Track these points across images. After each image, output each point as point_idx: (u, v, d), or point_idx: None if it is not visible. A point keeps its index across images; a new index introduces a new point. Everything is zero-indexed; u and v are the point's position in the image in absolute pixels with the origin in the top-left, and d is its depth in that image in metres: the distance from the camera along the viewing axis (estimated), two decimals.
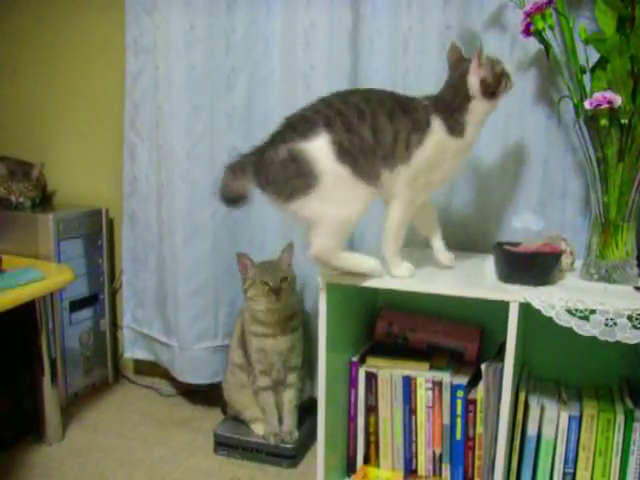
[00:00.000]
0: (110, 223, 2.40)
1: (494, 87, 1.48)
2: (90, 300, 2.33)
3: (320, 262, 1.49)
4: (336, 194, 1.41)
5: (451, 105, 1.49)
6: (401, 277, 1.54)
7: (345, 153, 1.40)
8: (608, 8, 1.46)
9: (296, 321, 1.90)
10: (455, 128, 1.49)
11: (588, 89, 1.54)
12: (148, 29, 2.06)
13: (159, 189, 2.11)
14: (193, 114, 1.98)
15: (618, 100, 1.40)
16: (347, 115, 1.41)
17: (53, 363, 2.02)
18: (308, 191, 1.40)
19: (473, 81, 1.47)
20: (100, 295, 2.37)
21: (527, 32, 1.59)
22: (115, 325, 2.47)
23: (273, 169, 1.41)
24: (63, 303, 2.21)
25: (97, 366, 2.39)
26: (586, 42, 1.55)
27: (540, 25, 1.55)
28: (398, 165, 1.46)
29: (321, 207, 1.42)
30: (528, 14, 1.54)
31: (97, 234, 2.32)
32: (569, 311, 1.36)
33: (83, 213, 2.27)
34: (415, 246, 1.79)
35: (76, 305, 2.27)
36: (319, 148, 1.39)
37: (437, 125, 1.47)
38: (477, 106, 1.49)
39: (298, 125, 1.42)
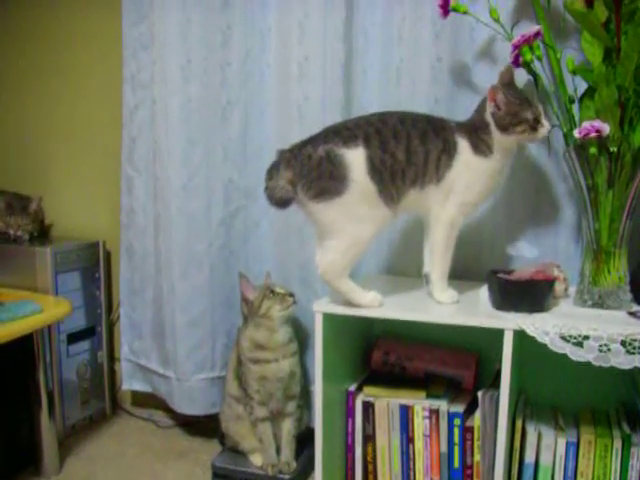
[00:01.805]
0: (107, 255, 2.41)
1: (504, 123, 1.50)
2: (87, 332, 2.33)
3: (326, 280, 1.53)
4: (358, 209, 1.47)
5: (474, 124, 1.55)
6: (444, 303, 1.58)
7: (375, 171, 1.46)
8: (594, 39, 1.49)
9: (294, 346, 1.90)
10: (479, 147, 1.53)
11: (577, 118, 1.57)
12: (145, 64, 2.09)
13: (156, 221, 2.12)
14: (189, 146, 2.00)
15: (606, 129, 1.42)
16: (384, 135, 1.47)
17: (50, 395, 2.01)
18: (334, 196, 1.45)
19: (489, 108, 1.52)
20: (97, 327, 2.37)
21: (516, 63, 1.62)
22: (112, 357, 2.46)
23: (308, 164, 1.46)
24: (61, 335, 2.21)
25: (95, 398, 2.38)
26: (574, 73, 1.58)
27: (528, 57, 1.58)
28: (428, 184, 1.51)
29: (340, 217, 1.47)
30: (516, 46, 1.57)
31: (94, 266, 2.33)
32: (563, 337, 1.37)
33: (80, 246, 2.28)
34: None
35: (73, 337, 2.26)
36: (356, 158, 1.45)
37: (463, 146, 1.53)
38: (495, 132, 1.52)
39: (340, 132, 1.48)
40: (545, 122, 1.52)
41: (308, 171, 1.45)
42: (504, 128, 1.50)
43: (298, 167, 1.46)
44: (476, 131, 1.54)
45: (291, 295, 1.87)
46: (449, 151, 1.52)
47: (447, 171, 1.52)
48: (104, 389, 2.43)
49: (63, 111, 2.42)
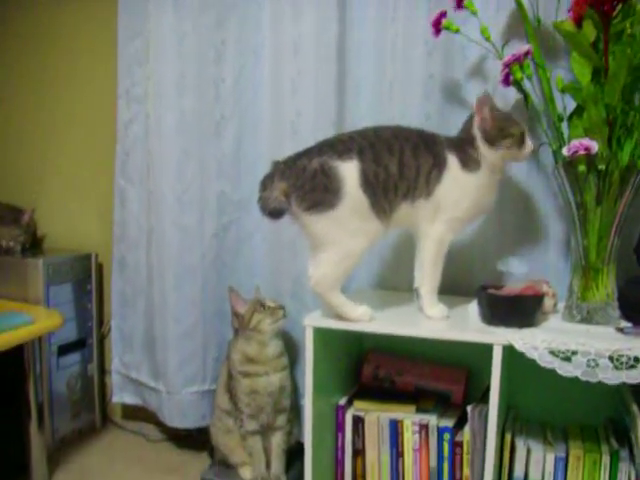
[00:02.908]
0: (99, 268, 2.41)
1: (491, 136, 1.53)
2: (78, 345, 2.33)
3: (317, 292, 1.53)
4: (350, 222, 1.48)
5: (462, 139, 1.57)
6: (434, 317, 1.58)
7: (369, 184, 1.47)
8: (583, 59, 1.51)
9: (285, 360, 1.91)
10: (467, 162, 1.55)
11: (566, 136, 1.58)
12: (140, 80, 2.10)
13: (149, 234, 2.13)
14: (183, 160, 2.01)
15: (595, 147, 1.44)
16: (378, 148, 1.49)
17: (40, 407, 2.01)
18: (328, 209, 1.46)
19: (475, 122, 1.54)
20: (88, 340, 2.37)
21: (506, 82, 1.64)
22: (103, 369, 2.46)
23: (303, 176, 1.46)
24: (51, 347, 2.21)
25: (85, 411, 2.38)
26: (563, 91, 1.60)
27: (518, 75, 1.60)
28: (418, 198, 1.52)
29: (333, 230, 1.48)
30: (507, 65, 1.59)
31: (87, 279, 2.34)
32: (552, 352, 1.38)
33: (73, 258, 2.29)
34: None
35: (64, 350, 2.26)
36: (350, 171, 1.46)
37: (452, 161, 1.55)
38: (483, 147, 1.54)
39: (335, 145, 1.49)
40: (529, 142, 1.55)
41: (302, 183, 1.46)
42: (491, 142, 1.53)
43: (292, 179, 1.47)
44: (464, 146, 1.56)
45: (281, 308, 1.88)
46: (439, 166, 1.53)
47: (436, 186, 1.53)
48: (94, 402, 2.43)
49: (57, 124, 2.43)
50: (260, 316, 1.84)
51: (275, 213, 1.51)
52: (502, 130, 1.52)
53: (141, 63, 2.09)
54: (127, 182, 2.18)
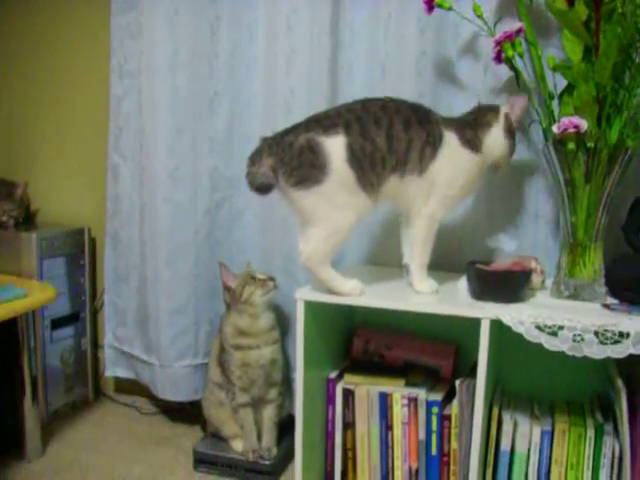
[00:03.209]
0: (92, 242, 2.42)
1: (514, 128, 1.61)
2: (72, 318, 2.34)
3: (308, 267, 1.55)
4: (337, 197, 1.48)
5: (468, 122, 1.60)
6: (423, 292, 1.61)
7: (355, 158, 1.48)
8: (574, 37, 1.52)
9: (276, 333, 1.93)
10: (470, 141, 1.58)
11: (556, 114, 1.60)
12: (133, 54, 2.10)
13: (142, 209, 2.13)
14: (176, 136, 2.02)
15: (584, 125, 1.45)
16: (365, 121, 1.49)
17: (34, 381, 2.03)
18: (314, 185, 1.47)
19: (503, 110, 1.60)
20: (82, 314, 2.38)
21: (498, 59, 1.65)
22: (96, 344, 2.48)
23: (290, 152, 1.47)
24: (45, 321, 2.23)
25: (78, 384, 2.40)
26: (554, 69, 1.61)
27: (510, 53, 1.61)
28: (410, 174, 1.53)
29: (320, 205, 1.49)
30: (498, 42, 1.60)
31: (80, 253, 2.35)
32: (538, 327, 1.40)
33: (66, 232, 2.29)
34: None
35: (57, 323, 2.28)
36: (336, 146, 1.47)
37: (451, 138, 1.56)
38: (494, 133, 1.59)
39: (321, 121, 1.49)
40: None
41: (289, 159, 1.47)
42: (511, 133, 1.60)
43: (280, 155, 1.48)
44: (466, 127, 1.58)
45: (272, 279, 1.90)
46: (434, 143, 1.53)
47: (431, 163, 1.54)
48: (87, 375, 2.44)
49: (50, 98, 2.43)
50: (251, 288, 1.86)
51: (262, 188, 1.53)
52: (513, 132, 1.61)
53: (134, 37, 2.09)
54: (120, 157, 2.19)
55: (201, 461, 1.97)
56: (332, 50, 1.88)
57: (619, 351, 1.37)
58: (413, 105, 1.56)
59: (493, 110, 1.62)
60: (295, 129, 1.50)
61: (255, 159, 1.52)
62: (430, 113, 1.57)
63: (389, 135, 1.50)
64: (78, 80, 2.38)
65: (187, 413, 2.27)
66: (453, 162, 1.56)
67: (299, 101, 1.91)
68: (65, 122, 2.42)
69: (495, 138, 1.60)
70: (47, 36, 2.39)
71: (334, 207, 1.49)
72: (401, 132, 1.50)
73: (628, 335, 1.36)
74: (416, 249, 1.61)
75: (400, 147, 1.51)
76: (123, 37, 2.12)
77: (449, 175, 1.56)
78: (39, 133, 2.47)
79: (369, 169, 1.49)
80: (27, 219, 2.39)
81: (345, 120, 1.49)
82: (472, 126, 1.59)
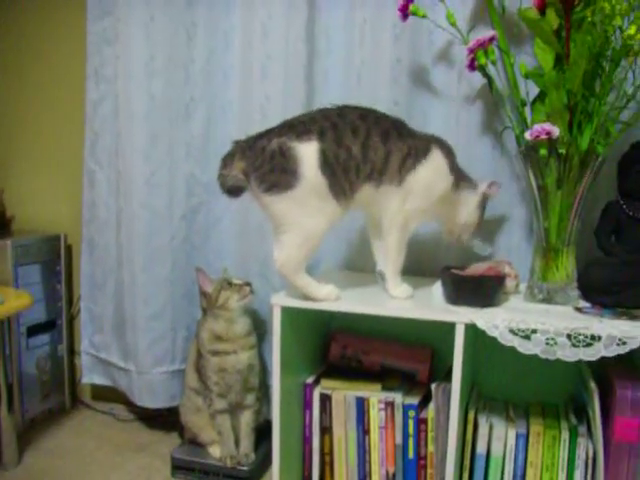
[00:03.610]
0: (69, 249, 2.41)
1: (484, 205, 1.70)
2: (48, 325, 2.33)
3: (283, 274, 1.55)
4: (309, 203, 1.48)
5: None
6: (398, 297, 1.62)
7: (328, 165, 1.47)
8: (546, 46, 1.54)
9: (253, 338, 1.94)
10: (456, 169, 1.62)
11: (529, 121, 1.62)
12: (109, 59, 2.09)
13: (118, 215, 2.13)
14: (152, 142, 2.01)
15: (556, 131, 1.47)
16: (341, 128, 1.49)
17: (10, 389, 2.02)
18: (285, 190, 1.46)
19: (481, 188, 1.68)
20: (58, 320, 2.37)
21: (472, 67, 1.67)
22: (73, 350, 2.47)
23: (261, 157, 1.47)
24: (20, 328, 2.21)
25: (54, 391, 2.39)
26: (526, 77, 1.63)
27: (483, 60, 1.63)
28: (387, 185, 1.54)
29: (292, 211, 1.49)
30: (471, 50, 1.62)
31: (56, 260, 2.34)
32: (512, 331, 1.42)
33: (42, 239, 2.28)
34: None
35: (33, 330, 2.27)
36: (308, 152, 1.46)
37: (437, 155, 1.58)
38: (472, 199, 1.67)
39: (295, 126, 1.49)
40: None
41: (261, 163, 1.47)
42: (483, 208, 1.70)
43: (252, 158, 1.48)
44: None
45: (248, 285, 1.90)
46: (416, 155, 1.55)
47: (410, 174, 1.55)
48: (64, 382, 2.43)
49: (25, 104, 2.41)
50: (227, 293, 1.86)
51: (233, 191, 1.53)
52: None
53: (110, 42, 2.08)
54: (96, 163, 2.18)
55: (179, 467, 1.97)
56: (308, 57, 1.89)
57: (591, 354, 1.38)
58: (393, 119, 1.58)
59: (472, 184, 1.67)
60: (268, 133, 1.50)
61: (227, 161, 1.52)
62: (415, 131, 1.60)
63: (365, 144, 1.50)
64: (54, 86, 2.37)
65: (164, 419, 2.26)
66: (433, 174, 1.58)
67: (275, 107, 1.92)
68: (41, 128, 2.41)
69: (470, 202, 1.65)
70: (22, 42, 2.38)
71: (306, 213, 1.49)
72: (379, 143, 1.51)
73: (600, 338, 1.38)
74: (390, 257, 1.62)
75: (377, 157, 1.51)
76: (99, 43, 2.11)
77: (426, 186, 1.57)
78: (14, 139, 2.45)
79: (342, 176, 1.49)
80: (2, 226, 2.37)
81: (320, 126, 1.49)
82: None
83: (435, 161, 1.58)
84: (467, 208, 1.66)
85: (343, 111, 1.53)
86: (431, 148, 1.58)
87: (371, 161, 1.51)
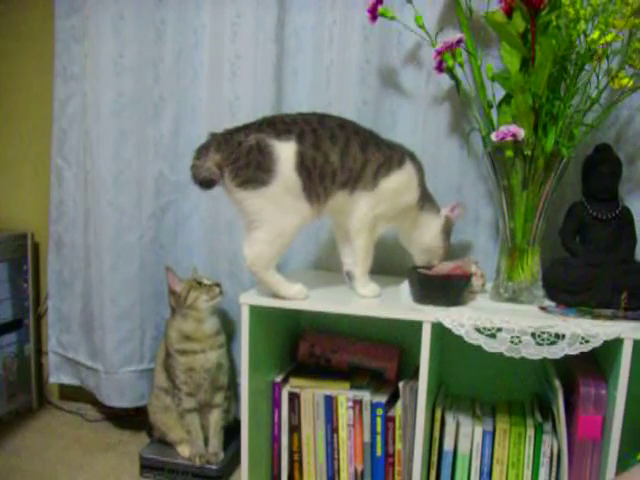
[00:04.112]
0: (35, 247, 2.39)
1: (449, 230, 1.76)
2: (14, 325, 2.30)
3: (253, 271, 1.55)
4: (283, 200, 1.49)
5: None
6: (366, 296, 1.63)
7: (304, 168, 1.49)
8: (512, 49, 1.56)
9: (222, 337, 1.93)
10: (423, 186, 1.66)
11: (495, 122, 1.64)
12: (77, 57, 2.07)
13: (86, 214, 2.11)
14: (120, 140, 2.00)
15: (521, 133, 1.50)
16: (320, 134, 1.50)
17: None
18: (260, 186, 1.47)
19: (444, 212, 1.74)
20: (25, 320, 2.34)
21: (440, 69, 1.69)
22: (40, 350, 2.44)
23: (238, 151, 1.47)
24: None
25: (21, 391, 2.36)
26: (492, 79, 1.66)
27: (450, 63, 1.65)
28: (360, 190, 1.56)
29: (265, 207, 1.49)
30: (439, 52, 1.64)
31: (22, 258, 2.31)
32: (478, 329, 1.44)
33: (8, 237, 2.25)
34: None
35: (0, 330, 2.24)
36: (286, 151, 1.47)
37: (410, 167, 1.61)
38: (434, 222, 1.71)
39: (276, 124, 1.50)
40: None
41: (236, 158, 1.47)
42: (447, 233, 1.75)
43: (227, 152, 1.48)
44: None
45: (217, 285, 1.90)
46: (390, 164, 1.58)
47: (383, 180, 1.58)
48: (31, 382, 2.40)
49: None
50: (196, 293, 1.86)
51: (205, 183, 1.52)
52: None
53: (78, 40, 2.06)
54: (64, 161, 2.16)
55: (147, 467, 1.96)
56: (277, 56, 1.89)
57: (555, 352, 1.42)
58: (371, 132, 1.61)
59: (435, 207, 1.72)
60: (246, 128, 1.50)
61: (201, 152, 1.51)
62: (392, 143, 1.63)
63: (344, 152, 1.52)
64: (22, 83, 2.34)
65: (133, 419, 2.25)
66: (403, 184, 1.61)
67: (244, 106, 1.92)
68: (8, 126, 2.38)
69: (432, 226, 1.70)
70: None
71: (278, 210, 1.50)
72: (358, 152, 1.54)
73: (564, 336, 1.41)
74: (359, 258, 1.64)
75: (355, 166, 1.54)
76: (67, 40, 2.09)
77: (395, 192, 1.60)
78: None
79: (317, 181, 1.51)
80: None
81: (300, 128, 1.50)
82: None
83: (407, 172, 1.61)
84: (429, 232, 1.70)
85: (324, 119, 1.55)
86: (405, 160, 1.61)
87: (349, 169, 1.53)
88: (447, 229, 1.72)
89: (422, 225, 1.70)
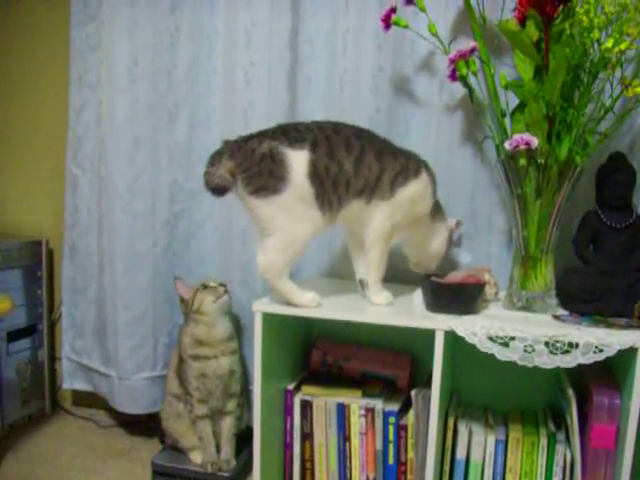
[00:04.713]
0: (50, 254, 2.40)
1: (451, 239, 1.78)
2: (28, 331, 2.31)
3: (266, 279, 1.56)
4: (295, 209, 1.49)
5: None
6: (379, 304, 1.63)
7: (317, 176, 1.48)
8: (525, 57, 1.56)
9: (234, 344, 1.94)
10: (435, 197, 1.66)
11: (509, 131, 1.64)
12: (92, 65, 2.09)
13: (100, 220, 2.12)
14: (135, 148, 2.01)
15: (535, 142, 1.49)
16: (334, 143, 1.51)
17: None
18: (272, 194, 1.47)
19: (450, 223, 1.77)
20: (39, 326, 2.35)
21: (453, 77, 1.69)
22: (53, 356, 2.45)
23: (251, 159, 1.47)
24: (1, 333, 2.19)
25: (34, 397, 2.37)
26: (506, 88, 1.66)
27: (464, 71, 1.65)
28: (377, 200, 1.56)
29: (278, 215, 1.49)
30: (453, 60, 1.64)
31: (37, 265, 2.32)
32: (491, 338, 1.43)
33: (23, 244, 2.27)
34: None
35: (14, 335, 2.24)
36: (298, 160, 1.47)
37: (425, 177, 1.61)
38: (442, 232, 1.73)
39: (289, 132, 1.50)
40: None
41: (249, 165, 1.47)
42: (450, 241, 1.77)
43: (240, 159, 1.48)
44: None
45: (222, 285, 1.91)
46: (407, 174, 1.58)
47: (400, 189, 1.57)
48: (44, 388, 2.41)
49: (8, 108, 2.40)
50: (202, 296, 1.87)
51: (218, 190, 1.52)
52: None
53: (94, 48, 2.08)
54: (79, 168, 2.17)
55: (159, 473, 1.96)
56: (291, 63, 1.90)
57: (568, 361, 1.40)
58: (387, 140, 1.61)
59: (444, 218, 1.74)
60: (260, 136, 1.51)
61: (215, 159, 1.51)
62: (409, 152, 1.63)
63: (359, 161, 1.52)
64: (37, 90, 2.36)
65: (145, 425, 2.25)
66: (419, 193, 1.61)
67: (258, 113, 1.93)
68: (23, 133, 2.40)
69: (441, 235, 1.71)
70: (6, 46, 2.37)
71: (291, 218, 1.50)
72: (374, 161, 1.54)
73: (577, 345, 1.40)
74: (373, 267, 1.64)
75: (371, 175, 1.54)
76: (83, 48, 2.11)
77: (411, 201, 1.60)
78: None
79: (330, 189, 1.51)
80: None
81: (314, 137, 1.50)
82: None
83: (423, 182, 1.62)
84: (437, 240, 1.71)
85: (339, 127, 1.55)
86: (421, 169, 1.61)
87: (364, 177, 1.53)
88: (451, 238, 1.75)
89: (432, 234, 1.70)
